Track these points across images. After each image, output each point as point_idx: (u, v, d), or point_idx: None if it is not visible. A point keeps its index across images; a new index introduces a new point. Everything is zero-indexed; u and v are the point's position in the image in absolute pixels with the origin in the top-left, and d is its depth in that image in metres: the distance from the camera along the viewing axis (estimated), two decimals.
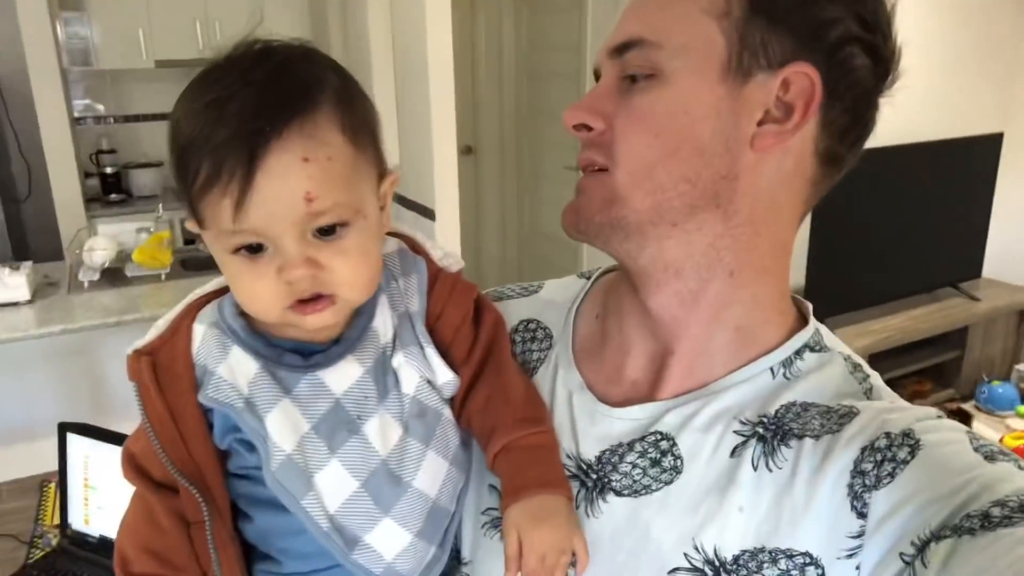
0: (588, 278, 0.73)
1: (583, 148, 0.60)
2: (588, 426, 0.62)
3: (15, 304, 2.37)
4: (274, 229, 0.52)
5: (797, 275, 2.51)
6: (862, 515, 0.49)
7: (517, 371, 0.66)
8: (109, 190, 3.92)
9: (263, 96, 0.52)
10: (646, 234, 0.57)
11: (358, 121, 0.56)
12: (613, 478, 0.59)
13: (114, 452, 1.36)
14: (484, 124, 4.26)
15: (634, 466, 0.59)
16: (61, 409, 2.43)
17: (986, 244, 3.04)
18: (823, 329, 0.63)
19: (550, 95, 3.83)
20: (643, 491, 0.58)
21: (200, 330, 0.60)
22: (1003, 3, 3.15)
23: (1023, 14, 3.20)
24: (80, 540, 1.44)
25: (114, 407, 2.47)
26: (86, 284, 2.56)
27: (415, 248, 0.66)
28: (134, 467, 0.62)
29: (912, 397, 2.91)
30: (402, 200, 3.28)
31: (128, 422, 0.69)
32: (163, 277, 2.64)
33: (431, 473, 0.61)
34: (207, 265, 2.70)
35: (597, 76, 0.61)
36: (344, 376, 0.59)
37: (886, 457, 0.50)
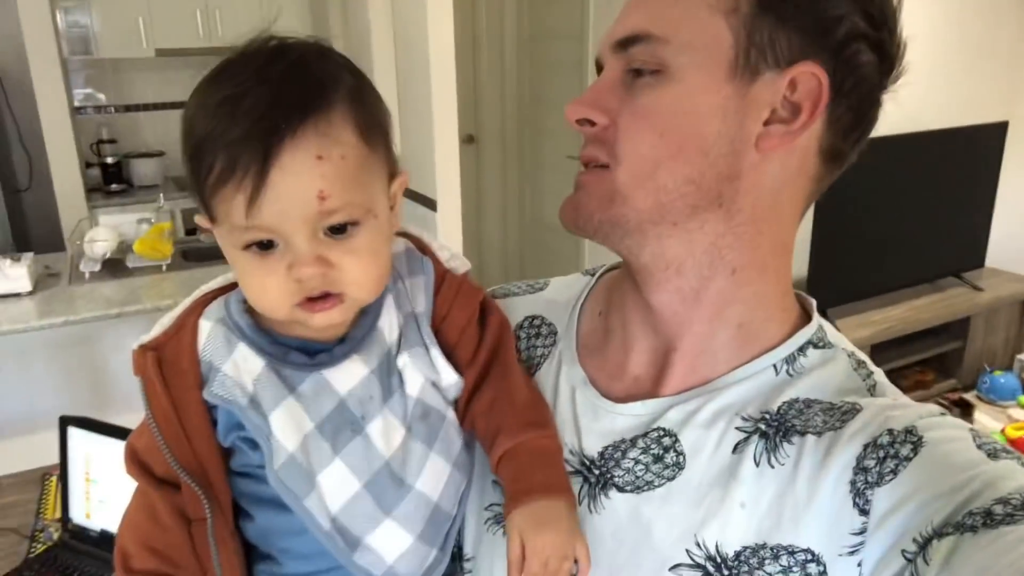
0: (592, 275, 0.73)
1: (586, 144, 0.59)
2: (591, 422, 0.62)
3: (16, 295, 2.38)
4: (286, 226, 0.52)
5: (800, 265, 2.51)
6: (864, 512, 0.49)
7: (522, 374, 0.66)
8: (110, 180, 3.91)
9: (279, 94, 0.51)
10: (646, 232, 0.57)
11: (371, 121, 0.56)
12: (616, 474, 0.59)
13: (115, 446, 1.36)
14: (486, 113, 4.24)
15: (636, 462, 0.58)
16: (62, 401, 2.43)
17: (990, 233, 3.04)
18: (827, 325, 0.63)
19: (552, 84, 3.81)
20: (645, 487, 0.58)
21: (206, 326, 0.60)
22: None
23: None
24: (81, 534, 1.44)
25: (115, 399, 2.47)
26: (87, 275, 2.56)
27: (422, 249, 0.66)
28: (137, 463, 0.62)
29: (914, 387, 2.91)
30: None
31: (129, 415, 0.69)
32: (164, 268, 2.65)
33: (433, 475, 0.61)
34: (208, 256, 2.69)
35: (599, 67, 0.60)
36: (349, 376, 0.59)
37: (889, 454, 0.50)
